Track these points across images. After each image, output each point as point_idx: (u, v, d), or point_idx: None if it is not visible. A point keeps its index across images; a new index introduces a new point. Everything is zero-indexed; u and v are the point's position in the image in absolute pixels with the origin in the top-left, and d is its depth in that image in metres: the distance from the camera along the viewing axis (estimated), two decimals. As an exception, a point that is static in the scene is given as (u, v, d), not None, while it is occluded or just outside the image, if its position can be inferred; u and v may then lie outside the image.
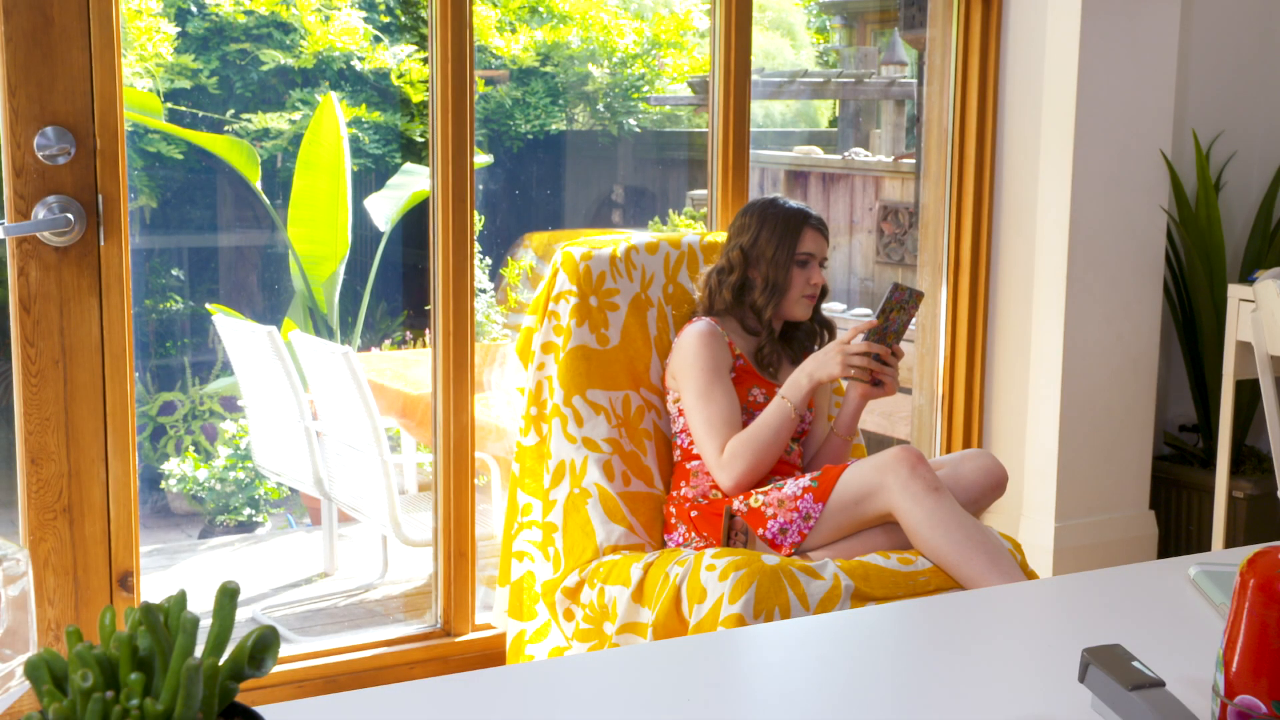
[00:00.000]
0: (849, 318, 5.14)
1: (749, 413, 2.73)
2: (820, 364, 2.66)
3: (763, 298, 2.78)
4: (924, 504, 2.49)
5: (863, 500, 2.55)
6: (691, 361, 2.71)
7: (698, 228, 5.00)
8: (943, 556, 2.48)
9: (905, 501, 2.50)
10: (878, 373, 2.64)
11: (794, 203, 2.87)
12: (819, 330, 2.89)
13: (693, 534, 2.66)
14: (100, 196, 2.36)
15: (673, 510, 2.71)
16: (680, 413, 2.76)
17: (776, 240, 2.79)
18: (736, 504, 2.62)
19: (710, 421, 2.66)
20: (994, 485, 2.71)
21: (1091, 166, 3.42)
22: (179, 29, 4.59)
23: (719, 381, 2.70)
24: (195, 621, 0.67)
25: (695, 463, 2.72)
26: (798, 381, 2.67)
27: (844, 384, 2.72)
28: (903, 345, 2.69)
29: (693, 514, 2.67)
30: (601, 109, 5.63)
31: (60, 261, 2.35)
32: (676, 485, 2.74)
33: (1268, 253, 3.73)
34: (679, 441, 2.77)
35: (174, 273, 4.71)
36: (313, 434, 3.72)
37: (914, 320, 2.71)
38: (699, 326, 2.75)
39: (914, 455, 2.54)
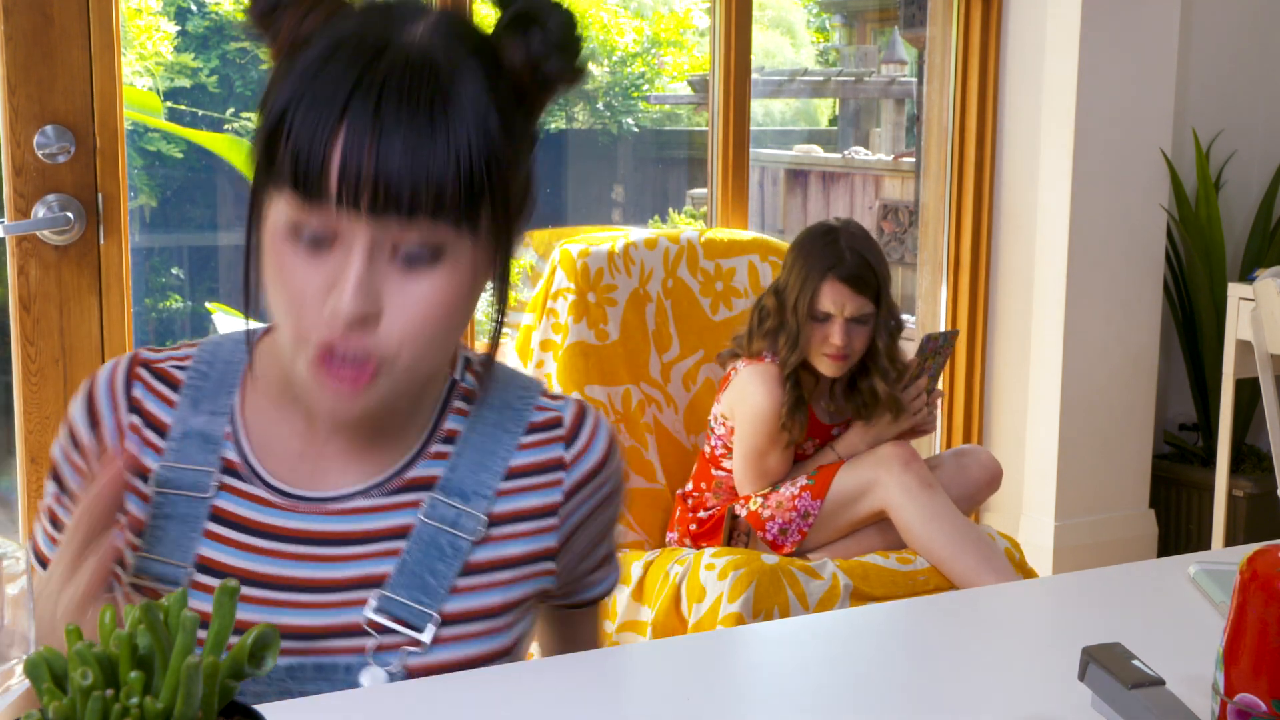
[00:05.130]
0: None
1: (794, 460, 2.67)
2: (882, 432, 2.62)
3: (785, 349, 2.54)
4: (917, 500, 2.50)
5: (859, 497, 2.56)
6: (752, 416, 2.55)
7: (698, 226, 5.00)
8: (935, 552, 2.49)
9: (899, 497, 2.51)
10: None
11: (845, 240, 2.53)
12: (880, 397, 2.59)
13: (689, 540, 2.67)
14: (100, 195, 2.36)
15: (677, 510, 2.70)
16: (730, 431, 2.63)
17: (798, 288, 2.52)
18: (737, 507, 2.62)
19: (763, 474, 2.59)
20: (989, 480, 2.73)
21: (1091, 166, 3.42)
22: (179, 28, 4.59)
23: (776, 446, 2.57)
24: (195, 620, 0.67)
25: (723, 473, 2.68)
26: (856, 447, 2.62)
27: None
28: (901, 346, 2.69)
29: (692, 527, 2.66)
30: (601, 107, 5.63)
31: (60, 260, 2.35)
32: (698, 486, 2.71)
33: (1268, 251, 3.73)
34: (714, 445, 2.68)
35: (174, 271, 4.71)
36: (312, 433, 3.72)
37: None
38: (764, 373, 2.54)
39: (908, 451, 2.56)
